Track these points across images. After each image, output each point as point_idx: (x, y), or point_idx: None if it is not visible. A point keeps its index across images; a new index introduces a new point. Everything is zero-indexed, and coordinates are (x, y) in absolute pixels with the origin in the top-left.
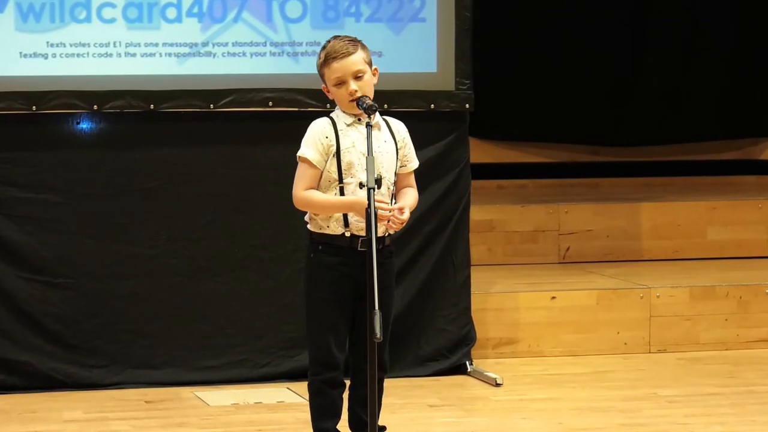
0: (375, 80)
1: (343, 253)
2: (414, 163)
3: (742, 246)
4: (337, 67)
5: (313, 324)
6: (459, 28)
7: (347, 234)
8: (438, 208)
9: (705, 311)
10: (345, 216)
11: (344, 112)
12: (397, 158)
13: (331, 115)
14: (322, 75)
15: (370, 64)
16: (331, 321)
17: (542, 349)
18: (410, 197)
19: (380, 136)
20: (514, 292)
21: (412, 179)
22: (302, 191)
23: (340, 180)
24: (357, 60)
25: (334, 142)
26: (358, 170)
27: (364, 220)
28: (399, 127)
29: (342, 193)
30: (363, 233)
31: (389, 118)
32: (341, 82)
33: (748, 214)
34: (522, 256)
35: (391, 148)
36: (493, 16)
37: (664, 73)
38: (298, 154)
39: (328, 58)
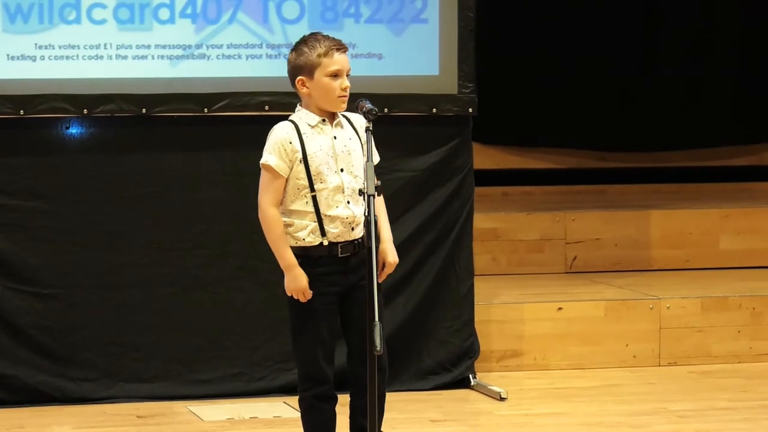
0: None
1: (324, 262)
2: (376, 158)
3: (755, 255)
4: (339, 59)
5: (300, 338)
6: (462, 30)
7: (325, 242)
8: (440, 216)
9: (717, 323)
10: (321, 225)
11: (310, 112)
12: (363, 154)
13: (291, 118)
14: (311, 66)
15: None
16: (318, 334)
17: (548, 362)
18: (385, 223)
19: (344, 134)
20: (519, 302)
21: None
22: (271, 207)
23: (312, 188)
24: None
25: (299, 147)
26: (328, 175)
27: (341, 228)
28: (361, 122)
29: (315, 202)
30: (341, 239)
31: (348, 114)
32: (337, 75)
33: (761, 222)
34: (527, 265)
35: (357, 146)
36: (497, 17)
37: (673, 76)
38: (261, 161)
39: (331, 48)
